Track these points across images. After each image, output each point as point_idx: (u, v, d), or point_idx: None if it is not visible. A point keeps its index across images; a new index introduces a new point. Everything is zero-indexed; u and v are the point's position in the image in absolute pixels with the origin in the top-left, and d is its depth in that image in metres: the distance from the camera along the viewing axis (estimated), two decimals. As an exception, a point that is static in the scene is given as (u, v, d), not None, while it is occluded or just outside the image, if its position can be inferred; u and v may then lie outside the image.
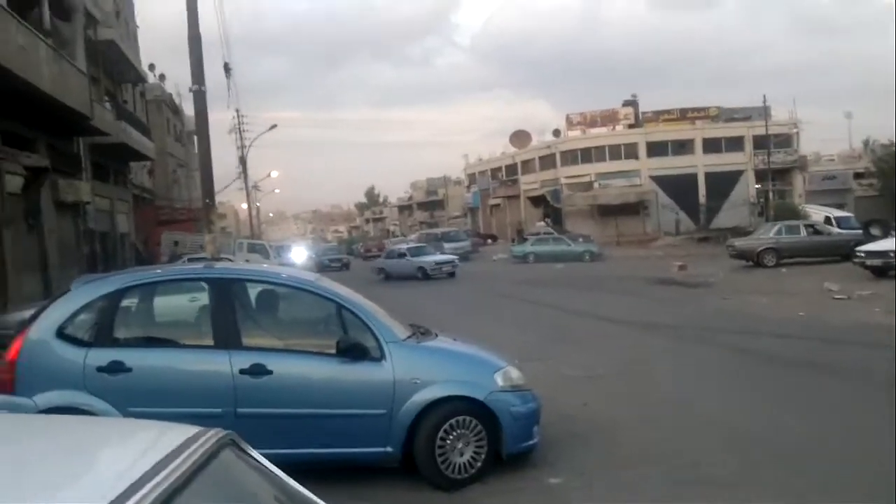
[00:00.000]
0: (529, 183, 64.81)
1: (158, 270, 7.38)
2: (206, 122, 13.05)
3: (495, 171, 73.03)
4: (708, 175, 56.33)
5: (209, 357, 5.58)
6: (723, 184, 55.88)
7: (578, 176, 58.02)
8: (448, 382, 5.71)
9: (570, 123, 60.90)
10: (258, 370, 5.47)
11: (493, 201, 72.20)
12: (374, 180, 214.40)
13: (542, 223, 55.18)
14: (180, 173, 46.79)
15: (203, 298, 6.02)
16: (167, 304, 6.55)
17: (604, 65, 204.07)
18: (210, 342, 5.64)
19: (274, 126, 46.03)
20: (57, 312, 5.66)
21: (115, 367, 5.45)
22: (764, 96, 54.60)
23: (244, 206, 58.87)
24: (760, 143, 54.52)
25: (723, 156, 56.73)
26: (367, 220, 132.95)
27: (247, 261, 30.62)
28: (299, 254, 44.74)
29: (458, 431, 5.67)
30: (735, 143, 57.16)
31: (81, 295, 5.82)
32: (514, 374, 6.05)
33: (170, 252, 30.24)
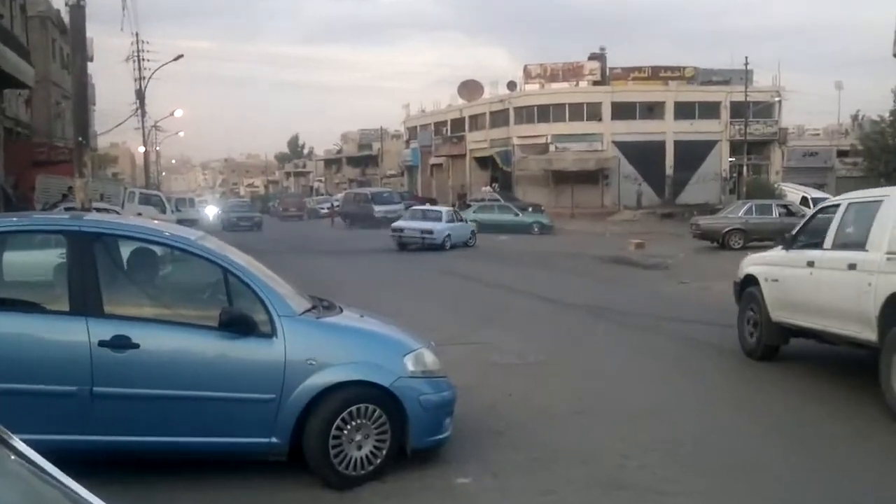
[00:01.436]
0: (477, 141, 64.83)
1: (13, 219, 7.11)
2: (83, 44, 12.59)
3: (439, 125, 72.77)
4: (678, 144, 57.18)
5: (62, 324, 5.43)
6: (693, 154, 56.85)
7: (533, 136, 58.25)
8: (349, 365, 5.72)
9: (528, 76, 60.93)
10: (121, 342, 5.34)
11: (434, 160, 72.01)
12: (298, 128, 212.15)
13: (489, 188, 55.33)
14: (65, 106, 45.25)
15: (55, 254, 5.89)
16: (18, 260, 6.35)
17: (572, 12, 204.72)
18: (65, 307, 5.49)
19: (180, 56, 44.84)
20: None
21: None
22: (746, 59, 55.06)
23: (141, 149, 57.39)
24: (738, 111, 55.52)
25: (696, 123, 57.59)
26: (288, 175, 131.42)
27: (139, 215, 29.96)
28: (208, 210, 43.73)
29: (358, 421, 5.67)
30: (710, 110, 58.07)
31: None
32: (428, 358, 6.07)
33: (51, 200, 29.21)
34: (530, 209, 44.59)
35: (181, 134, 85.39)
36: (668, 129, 57.56)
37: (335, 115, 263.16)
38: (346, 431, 5.64)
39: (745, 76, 54.99)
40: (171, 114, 62.24)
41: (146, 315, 5.68)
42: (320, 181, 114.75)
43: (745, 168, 56.14)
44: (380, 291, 16.85)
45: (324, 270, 21.60)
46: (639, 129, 56.69)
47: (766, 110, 57.83)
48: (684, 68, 60.36)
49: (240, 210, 51.27)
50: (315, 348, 5.66)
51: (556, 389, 8.72)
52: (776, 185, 46.09)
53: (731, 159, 58.03)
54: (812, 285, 8.80)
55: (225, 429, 5.55)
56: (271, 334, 5.57)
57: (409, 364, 5.89)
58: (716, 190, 55.16)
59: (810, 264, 8.86)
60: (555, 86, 60.14)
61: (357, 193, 53.54)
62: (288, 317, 5.67)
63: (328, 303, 6.58)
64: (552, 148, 57.34)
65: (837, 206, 9.05)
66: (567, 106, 58.02)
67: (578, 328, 12.87)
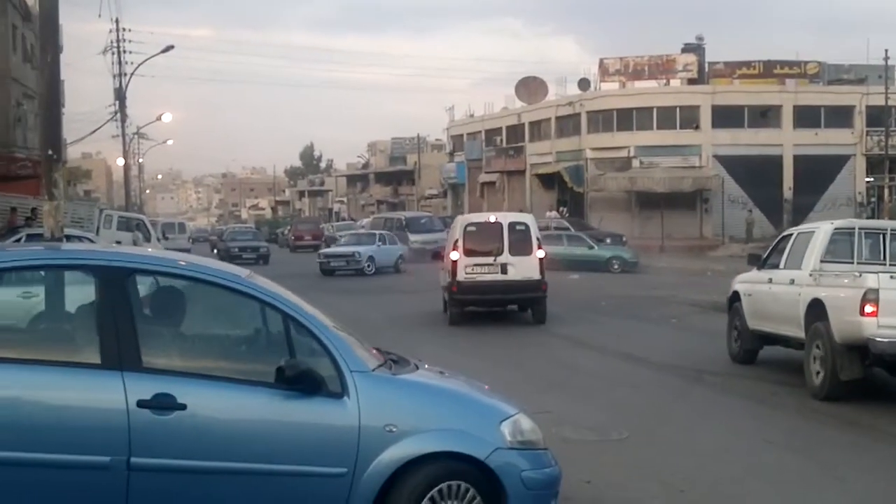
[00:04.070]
0: (540, 154, 65.00)
1: (19, 252, 7.34)
2: (54, 36, 12.85)
3: (492, 133, 73.14)
4: (799, 159, 56.78)
5: (94, 381, 5.53)
6: (819, 172, 56.35)
7: (612, 148, 58.27)
8: (437, 432, 5.86)
9: (605, 72, 61.12)
10: (165, 403, 5.48)
11: (485, 177, 72.29)
12: (315, 137, 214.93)
13: (555, 213, 55.24)
14: (28, 108, 46.29)
15: (82, 295, 6.04)
16: (29, 303, 6.55)
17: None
18: (95, 359, 5.61)
19: (170, 47, 45.68)
20: None
21: None
22: (886, 51, 54.53)
23: (121, 161, 58.46)
24: (877, 117, 55.02)
25: (822, 132, 57.20)
26: (302, 194, 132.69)
27: (117, 242, 30.39)
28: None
29: (448, 503, 5.79)
30: (841, 116, 57.64)
31: None
32: (526, 425, 6.21)
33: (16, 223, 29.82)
34: (608, 240, 44.33)
35: (170, 143, 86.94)
36: (786, 141, 57.20)
37: (361, 121, 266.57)
38: None
39: (885, 73, 54.51)
40: (158, 118, 63.48)
41: (192, 369, 5.81)
42: (342, 202, 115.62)
43: (887, 190, 55.42)
44: (420, 341, 16.94)
45: (350, 313, 21.69)
46: (748, 140, 56.40)
47: (913, 116, 57.25)
48: (806, 63, 60.13)
49: (241, 238, 51.60)
50: (395, 412, 5.81)
51: (645, 474, 8.69)
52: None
53: (868, 179, 57.42)
54: (771, 297, 14.14)
55: None
56: (342, 393, 5.74)
57: (507, 433, 6.02)
58: (849, 217, 54.54)
59: (770, 281, 14.20)
60: (639, 84, 60.19)
61: (388, 219, 53.75)
62: (361, 372, 5.84)
63: (397, 357, 6.71)
64: (636, 163, 57.25)
65: (791, 234, 14.62)
66: (655, 110, 57.98)
67: (671, 394, 12.92)
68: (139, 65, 49.33)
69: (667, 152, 56.61)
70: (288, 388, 5.61)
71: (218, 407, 5.61)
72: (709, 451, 9.77)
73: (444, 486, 5.74)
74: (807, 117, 57.20)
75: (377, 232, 43.64)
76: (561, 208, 58.15)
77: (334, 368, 5.74)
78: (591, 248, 41.47)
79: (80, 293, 6.09)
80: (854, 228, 13.65)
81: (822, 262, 13.03)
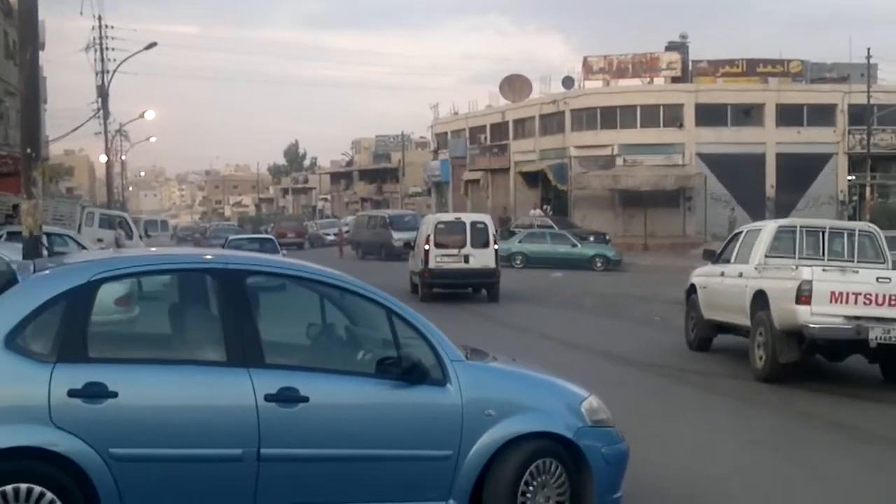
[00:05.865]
0: (524, 152, 65.02)
1: (141, 255, 7.68)
2: (34, 33, 12.83)
3: (476, 131, 73.10)
4: (781, 157, 56.96)
5: (223, 377, 5.89)
6: (802, 171, 56.55)
7: (595, 146, 58.29)
8: (529, 413, 6.43)
9: (590, 70, 61.16)
10: (289, 396, 5.85)
11: (469, 175, 72.26)
12: (299, 134, 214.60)
13: (539, 211, 55.38)
14: (9, 105, 46.07)
15: (200, 296, 6.50)
16: (155, 304, 6.87)
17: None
18: (221, 357, 5.97)
19: (153, 44, 45.54)
20: (4, 315, 5.71)
21: (95, 391, 5.58)
22: (868, 49, 54.81)
23: (103, 159, 58.20)
24: (859, 116, 55.23)
25: (805, 131, 57.41)
26: (286, 192, 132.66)
27: (99, 240, 30.30)
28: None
29: (541, 479, 6.33)
30: (823, 114, 57.85)
31: (37, 289, 5.90)
32: (596, 404, 6.77)
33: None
34: (592, 238, 44.54)
35: (153, 140, 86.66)
36: (769, 139, 57.37)
37: (345, 118, 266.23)
38: (528, 493, 6.28)
39: (867, 72, 54.72)
40: (141, 115, 63.36)
41: (309, 363, 6.37)
42: (326, 200, 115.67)
43: (868, 188, 55.62)
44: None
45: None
46: (731, 139, 56.56)
47: (894, 115, 57.53)
48: (789, 62, 60.28)
49: (224, 235, 51.62)
50: (491, 397, 6.35)
51: (628, 474, 8.66)
52: (910, 212, 45.69)
53: (850, 177, 57.61)
54: (722, 289, 15.49)
55: (398, 492, 6.12)
56: (444, 381, 6.23)
57: (586, 413, 6.59)
58: (831, 216, 54.67)
59: (722, 274, 15.60)
60: (623, 83, 60.26)
61: (371, 216, 53.69)
62: (459, 361, 6.35)
63: (472, 348, 7.10)
64: (619, 161, 57.32)
65: (741, 232, 16.12)
66: (638, 108, 58.04)
67: (652, 393, 13.07)
68: (122, 62, 49.13)
69: (650, 150, 56.70)
70: (397, 379, 6.08)
71: (336, 398, 6.05)
72: (691, 450, 9.82)
73: (539, 462, 6.26)
74: (790, 116, 57.41)
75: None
76: (545, 206, 58.24)
77: (435, 358, 6.21)
78: (574, 246, 41.59)
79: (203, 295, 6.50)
80: (796, 227, 15.18)
81: (766, 256, 14.40)
